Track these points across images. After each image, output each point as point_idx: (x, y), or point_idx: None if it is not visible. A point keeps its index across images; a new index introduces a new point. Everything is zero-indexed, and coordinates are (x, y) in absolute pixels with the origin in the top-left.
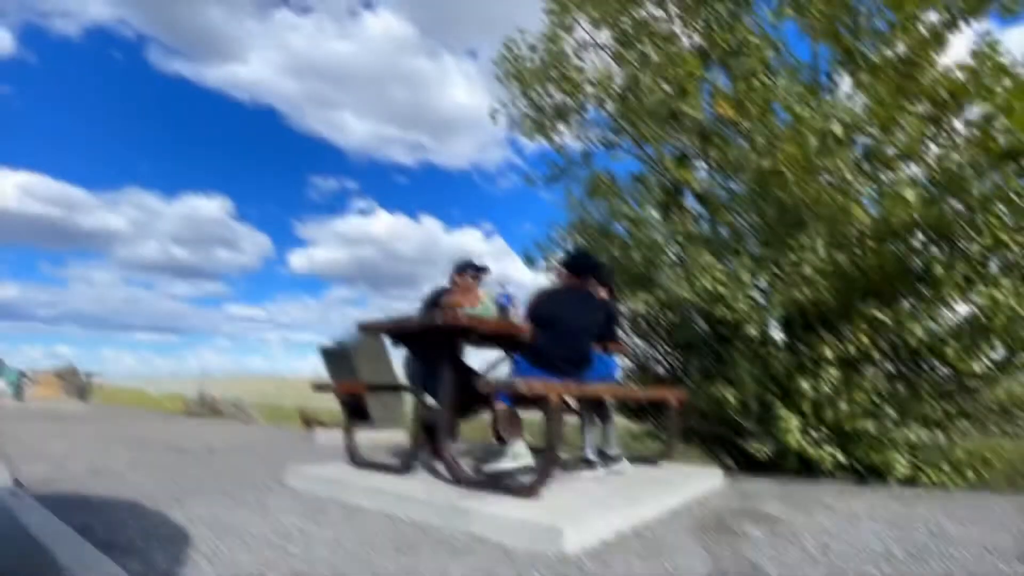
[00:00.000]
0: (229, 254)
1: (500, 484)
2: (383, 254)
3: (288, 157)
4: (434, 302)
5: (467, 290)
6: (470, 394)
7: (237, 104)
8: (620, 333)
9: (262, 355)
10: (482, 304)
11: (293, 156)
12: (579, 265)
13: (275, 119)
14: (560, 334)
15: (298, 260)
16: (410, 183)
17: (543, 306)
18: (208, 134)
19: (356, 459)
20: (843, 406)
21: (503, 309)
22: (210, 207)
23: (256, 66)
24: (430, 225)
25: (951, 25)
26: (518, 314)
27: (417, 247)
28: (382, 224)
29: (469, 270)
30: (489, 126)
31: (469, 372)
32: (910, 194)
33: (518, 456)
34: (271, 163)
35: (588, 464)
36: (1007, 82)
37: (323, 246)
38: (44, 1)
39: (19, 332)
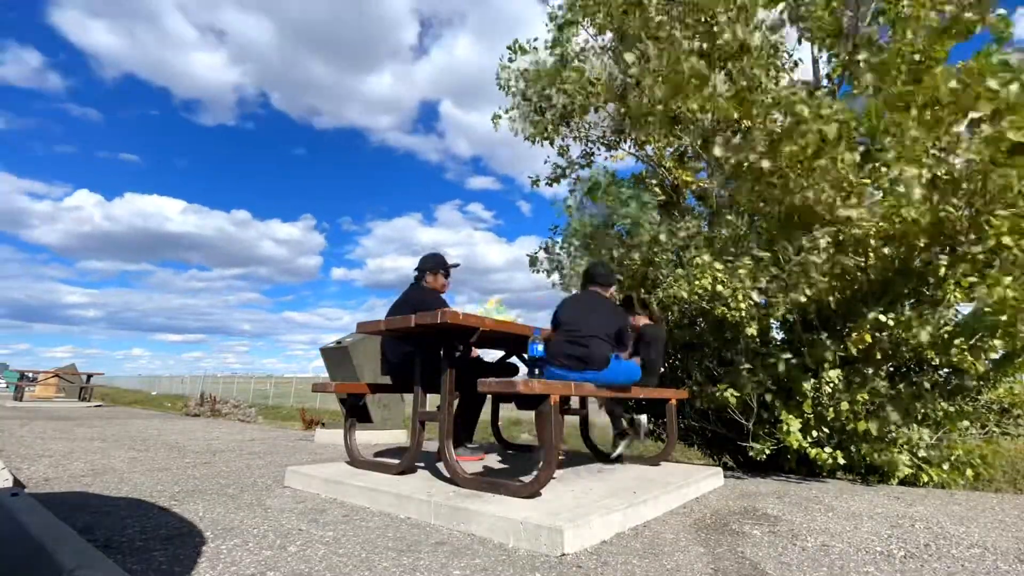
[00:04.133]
0: (309, 266)
1: (500, 484)
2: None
3: (417, 191)
4: (410, 301)
5: (440, 288)
6: (473, 392)
7: (386, 156)
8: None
9: (277, 356)
10: (486, 308)
11: (422, 191)
12: (590, 275)
13: (415, 168)
14: (564, 333)
15: (362, 273)
16: (532, 209)
17: (557, 310)
18: (346, 174)
19: (356, 459)
20: (844, 406)
21: (536, 362)
22: (311, 231)
23: (411, 136)
24: (524, 241)
25: (952, 33)
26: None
27: (504, 259)
28: (469, 238)
29: (441, 268)
30: None
31: (475, 369)
32: (918, 193)
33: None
34: (395, 195)
35: (621, 435)
36: (1013, 87)
37: (392, 257)
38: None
39: (54, 332)
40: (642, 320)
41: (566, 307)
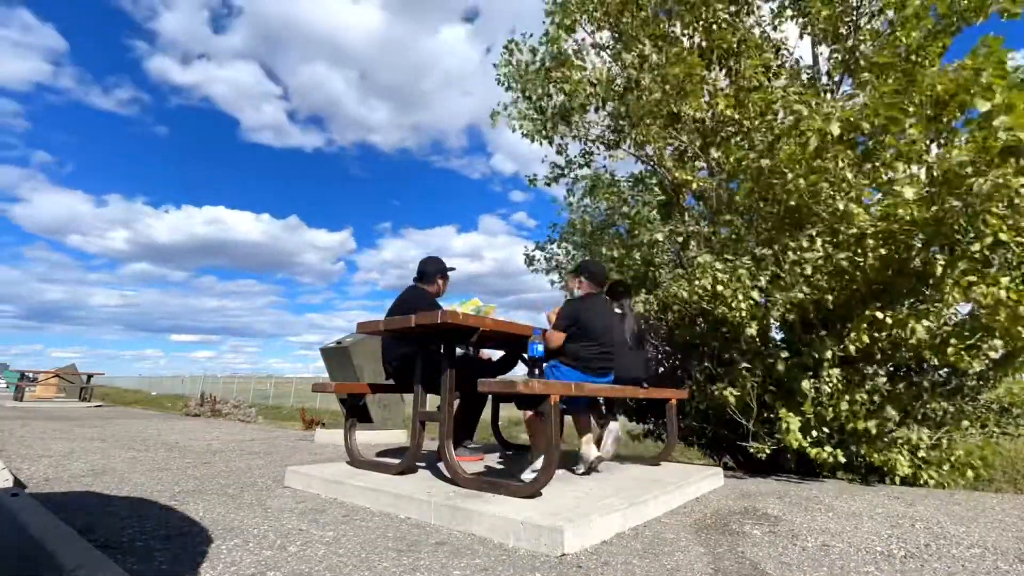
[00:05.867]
0: (339, 270)
1: (500, 484)
2: (495, 270)
3: (461, 203)
4: (407, 303)
5: (438, 291)
6: (474, 393)
7: (435, 174)
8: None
9: (285, 356)
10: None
11: (466, 202)
12: (601, 276)
13: (461, 183)
14: (595, 341)
15: (386, 276)
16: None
17: (582, 314)
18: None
19: (356, 459)
20: (844, 406)
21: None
22: (349, 238)
23: (460, 159)
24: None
25: (952, 27)
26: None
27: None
28: (507, 244)
29: (439, 274)
30: None
31: (475, 369)
32: (910, 193)
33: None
34: (438, 207)
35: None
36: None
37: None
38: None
39: (69, 333)
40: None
41: (596, 315)
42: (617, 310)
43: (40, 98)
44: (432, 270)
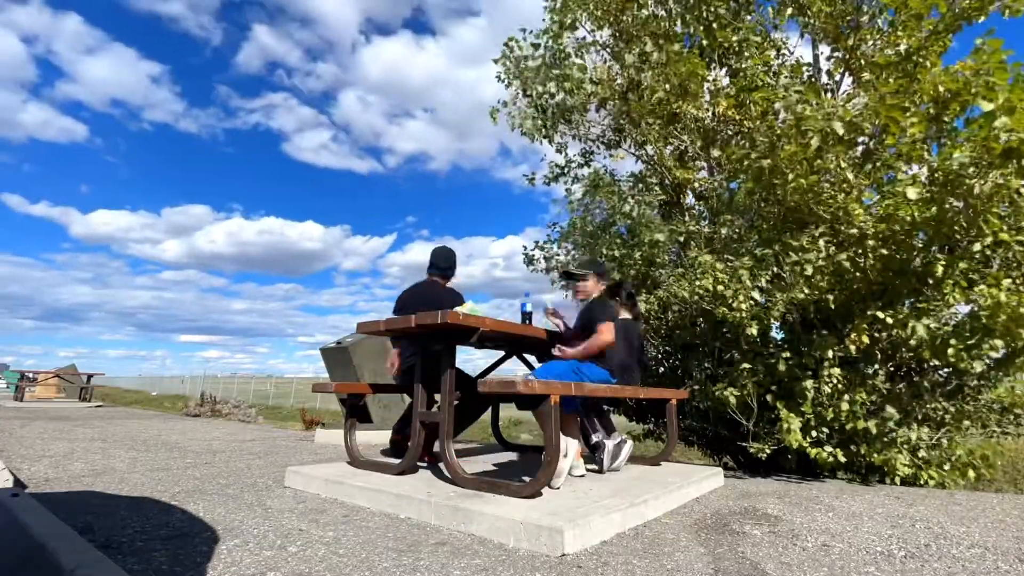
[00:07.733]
0: (368, 272)
1: (500, 484)
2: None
3: (507, 212)
4: (429, 299)
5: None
6: (473, 395)
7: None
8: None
9: (285, 357)
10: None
11: (511, 212)
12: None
13: (508, 193)
14: (619, 348)
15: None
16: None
17: (617, 319)
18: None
19: (356, 459)
20: (844, 406)
21: (527, 316)
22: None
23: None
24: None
25: (953, 26)
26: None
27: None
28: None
29: (451, 269)
30: None
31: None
32: (911, 193)
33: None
34: (483, 215)
35: (594, 448)
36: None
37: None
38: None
39: (81, 334)
40: (624, 313)
41: (619, 321)
42: None
43: (132, 117)
44: (445, 264)
